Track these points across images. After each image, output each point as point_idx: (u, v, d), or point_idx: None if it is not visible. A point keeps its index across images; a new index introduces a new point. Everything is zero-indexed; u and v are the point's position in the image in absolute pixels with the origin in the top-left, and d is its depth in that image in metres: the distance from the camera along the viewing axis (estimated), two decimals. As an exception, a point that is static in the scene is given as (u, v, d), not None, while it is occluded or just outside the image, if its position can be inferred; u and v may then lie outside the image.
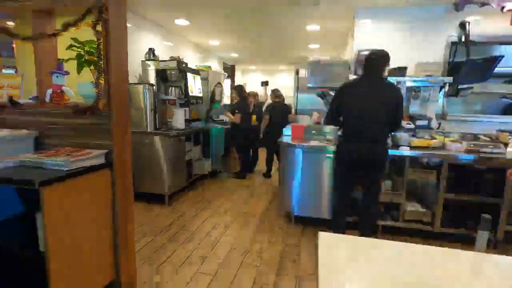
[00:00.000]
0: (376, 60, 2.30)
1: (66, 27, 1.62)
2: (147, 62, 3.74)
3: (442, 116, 3.29)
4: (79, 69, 1.65)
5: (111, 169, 1.70)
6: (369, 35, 3.42)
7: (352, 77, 3.04)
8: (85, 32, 1.59)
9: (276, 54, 6.52)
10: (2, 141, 1.58)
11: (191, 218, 3.20)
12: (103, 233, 1.71)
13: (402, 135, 2.93)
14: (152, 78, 3.78)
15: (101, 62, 1.60)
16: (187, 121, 4.17)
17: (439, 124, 2.96)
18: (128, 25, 3.80)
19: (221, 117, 5.10)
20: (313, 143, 3.02)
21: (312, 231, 2.94)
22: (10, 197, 1.77)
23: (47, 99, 1.76)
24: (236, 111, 4.54)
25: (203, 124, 4.62)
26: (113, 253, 1.79)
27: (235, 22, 4.26)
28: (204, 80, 4.60)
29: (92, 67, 1.63)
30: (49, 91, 1.76)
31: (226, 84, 9.07)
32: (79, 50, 1.61)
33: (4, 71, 2.12)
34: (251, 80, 9.71)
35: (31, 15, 1.75)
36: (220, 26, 4.49)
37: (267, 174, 4.89)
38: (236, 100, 4.75)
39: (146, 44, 4.10)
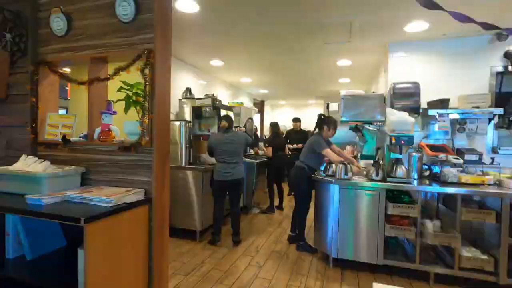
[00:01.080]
0: None
1: (117, 71, 1.76)
2: (183, 100, 3.95)
3: (493, 150, 3.01)
4: (127, 109, 1.75)
5: (150, 205, 1.72)
6: (403, 68, 3.35)
7: (388, 109, 2.94)
8: (132, 76, 1.71)
9: (306, 88, 6.61)
10: (53, 176, 1.67)
11: (223, 255, 3.08)
12: (139, 270, 1.67)
13: (449, 170, 2.71)
14: (188, 115, 3.95)
15: (146, 102, 1.70)
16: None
17: (492, 159, 2.69)
18: (168, 67, 4.13)
19: (252, 151, 5.14)
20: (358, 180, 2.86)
21: (351, 275, 2.69)
22: (54, 231, 1.83)
23: (95, 137, 1.87)
24: (266, 144, 4.68)
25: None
26: (147, 292, 1.73)
27: (267, 60, 4.43)
28: (237, 115, 4.73)
29: (138, 107, 1.72)
30: (98, 129, 1.87)
31: (256, 118, 9.31)
32: (127, 91, 1.73)
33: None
34: (280, 114, 9.85)
35: (89, 62, 1.93)
36: (253, 63, 4.70)
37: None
38: (269, 135, 4.91)
39: (183, 84, 4.37)
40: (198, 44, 3.75)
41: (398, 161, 2.77)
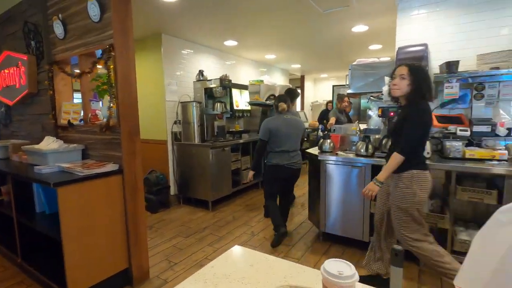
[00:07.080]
0: None
1: (93, 64, 2.12)
2: (196, 82, 4.25)
3: (521, 120, 2.48)
4: (100, 96, 2.11)
5: (122, 175, 2.08)
6: (414, 28, 2.92)
7: (386, 78, 2.66)
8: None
9: (338, 59, 6.19)
10: (54, 152, 2.17)
11: (225, 224, 3.40)
12: (116, 227, 2.09)
13: (452, 144, 2.39)
14: (202, 96, 4.25)
15: (113, 90, 2.02)
16: (235, 133, 4.47)
17: (509, 129, 2.25)
18: (185, 51, 4.43)
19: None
20: (343, 155, 2.77)
21: (337, 250, 2.70)
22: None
23: (88, 120, 2.31)
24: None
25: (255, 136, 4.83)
26: (126, 246, 2.15)
27: (277, 35, 4.34)
28: (255, 93, 4.83)
29: (107, 94, 2.06)
30: (89, 114, 2.30)
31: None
32: (98, 81, 2.07)
33: (75, 100, 2.85)
34: (325, 88, 9.47)
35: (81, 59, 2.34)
36: (267, 41, 4.65)
37: None
38: None
39: (202, 66, 4.65)
40: (210, 26, 3.88)
41: (388, 136, 2.56)
